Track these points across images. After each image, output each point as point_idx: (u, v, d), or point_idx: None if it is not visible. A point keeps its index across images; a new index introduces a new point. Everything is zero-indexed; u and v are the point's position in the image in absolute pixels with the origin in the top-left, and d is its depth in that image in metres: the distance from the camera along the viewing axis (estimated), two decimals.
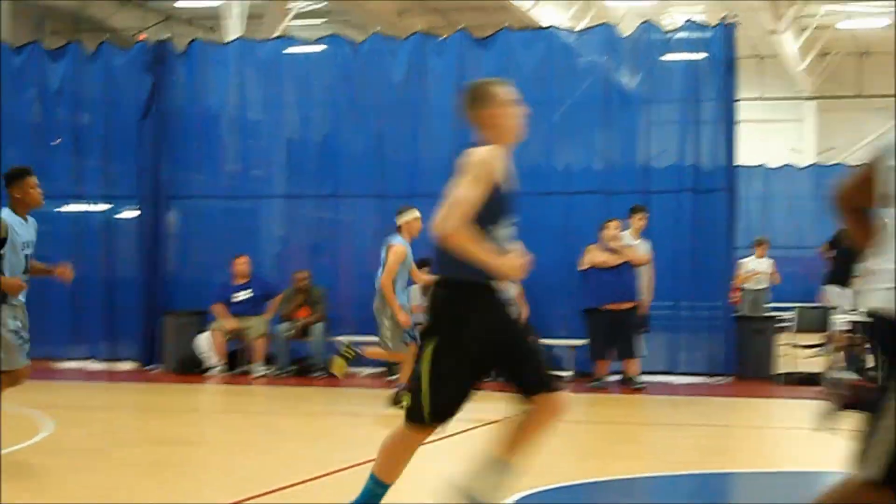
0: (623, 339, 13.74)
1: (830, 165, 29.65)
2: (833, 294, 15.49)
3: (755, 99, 33.45)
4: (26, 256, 8.22)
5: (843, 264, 15.10)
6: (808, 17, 29.97)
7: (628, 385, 13.82)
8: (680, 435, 10.55)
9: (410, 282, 12.13)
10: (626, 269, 13.69)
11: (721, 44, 15.06)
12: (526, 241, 15.97)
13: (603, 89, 15.46)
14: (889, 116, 34.36)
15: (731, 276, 15.71)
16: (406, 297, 11.91)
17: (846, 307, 14.41)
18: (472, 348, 5.43)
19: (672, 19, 25.93)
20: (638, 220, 14.14)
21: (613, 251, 13.72)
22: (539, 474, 7.58)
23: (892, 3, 28.63)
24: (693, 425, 11.08)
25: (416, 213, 11.60)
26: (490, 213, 5.41)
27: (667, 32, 15.72)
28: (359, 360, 12.54)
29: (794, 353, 14.96)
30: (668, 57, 15.57)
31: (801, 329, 14.93)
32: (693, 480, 7.92)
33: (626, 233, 14.04)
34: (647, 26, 15.66)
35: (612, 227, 13.83)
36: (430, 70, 15.77)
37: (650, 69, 15.46)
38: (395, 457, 5.60)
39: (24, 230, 8.18)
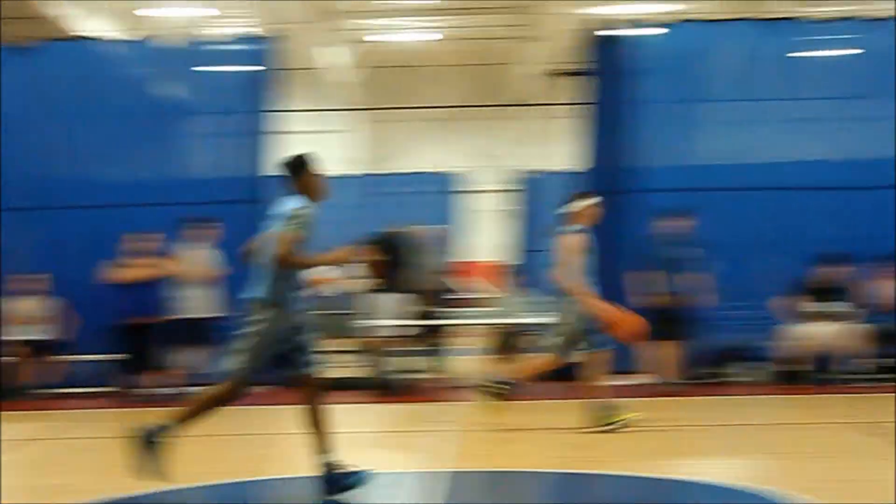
0: (159, 352, 13.60)
1: (383, 175, 30.68)
2: (377, 301, 15.90)
3: (309, 110, 34.05)
4: None
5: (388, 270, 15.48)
6: (360, 31, 30.80)
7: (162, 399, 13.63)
8: (223, 445, 10.50)
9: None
10: (157, 282, 13.59)
11: (268, 56, 15.19)
12: (62, 256, 15.47)
13: (146, 101, 15.27)
14: (438, 127, 35.96)
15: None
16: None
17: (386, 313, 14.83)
18: None
19: (220, 31, 25.98)
20: (208, 232, 14.01)
21: (144, 265, 13.59)
22: (67, 494, 7.43)
23: (440, 18, 30.00)
24: (238, 435, 11.06)
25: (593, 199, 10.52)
26: None
27: (213, 44, 15.70)
28: None
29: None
30: (214, 68, 15.54)
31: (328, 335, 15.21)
32: (227, 490, 7.98)
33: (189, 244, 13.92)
34: (192, 38, 15.59)
35: (139, 242, 13.71)
36: None
37: (195, 81, 15.42)
38: None
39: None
